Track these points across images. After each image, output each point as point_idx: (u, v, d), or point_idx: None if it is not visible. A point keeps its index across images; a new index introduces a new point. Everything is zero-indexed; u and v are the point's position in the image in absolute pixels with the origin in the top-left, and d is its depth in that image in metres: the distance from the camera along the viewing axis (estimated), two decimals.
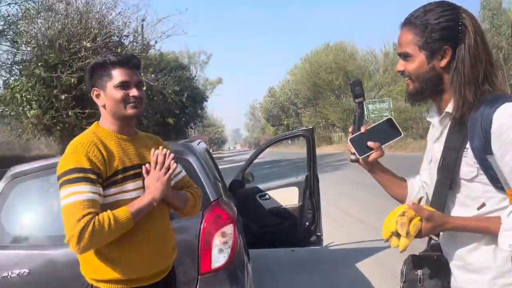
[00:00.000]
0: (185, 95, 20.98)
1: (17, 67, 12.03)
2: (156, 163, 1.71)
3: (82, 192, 1.52)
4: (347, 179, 13.07)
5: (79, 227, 1.47)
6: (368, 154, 1.43)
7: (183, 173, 1.95)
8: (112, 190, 1.63)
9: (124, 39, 13.87)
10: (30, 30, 11.90)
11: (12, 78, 11.91)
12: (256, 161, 4.72)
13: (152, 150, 1.74)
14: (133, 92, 1.71)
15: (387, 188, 1.53)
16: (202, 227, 2.43)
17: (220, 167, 4.91)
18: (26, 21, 11.96)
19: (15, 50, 12.03)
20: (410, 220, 1.23)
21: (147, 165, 1.72)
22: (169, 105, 19.30)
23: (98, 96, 1.75)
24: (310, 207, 4.45)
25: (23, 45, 11.96)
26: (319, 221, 4.49)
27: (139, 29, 14.41)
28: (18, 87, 10.90)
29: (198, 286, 2.38)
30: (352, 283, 4.37)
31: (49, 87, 10.99)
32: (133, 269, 1.66)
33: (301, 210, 4.44)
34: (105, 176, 1.62)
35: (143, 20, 14.38)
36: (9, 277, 2.24)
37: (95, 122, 1.79)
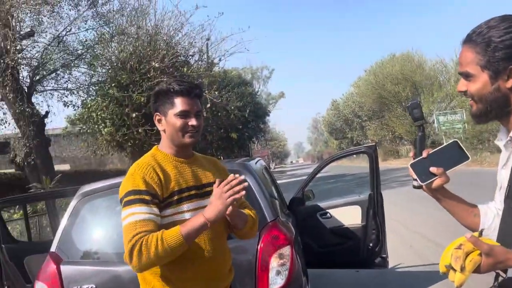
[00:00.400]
0: (248, 110, 21.32)
1: (93, 88, 12.97)
2: (226, 184, 1.66)
3: (137, 213, 1.59)
4: (416, 196, 12.36)
5: (129, 246, 1.54)
6: (431, 180, 1.33)
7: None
8: (168, 211, 1.68)
9: (190, 59, 14.46)
10: (105, 53, 12.82)
11: (89, 98, 12.84)
12: (319, 175, 4.63)
13: (231, 176, 1.70)
14: (192, 121, 1.76)
15: (457, 216, 1.41)
16: (259, 248, 2.41)
17: (282, 181, 4.90)
18: (102, 45, 12.90)
19: (92, 72, 13.00)
20: (467, 254, 1.12)
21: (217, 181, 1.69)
22: (232, 120, 19.71)
23: (159, 121, 1.82)
24: (374, 227, 4.27)
25: (98, 68, 12.90)
26: (384, 242, 4.29)
27: (204, 48, 14.95)
28: (94, 106, 11.73)
29: None
30: None
31: (121, 106, 11.71)
32: None
33: (365, 230, 4.27)
34: (161, 197, 1.67)
35: (207, 39, 14.90)
36: None
37: (155, 146, 1.87)
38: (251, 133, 27.24)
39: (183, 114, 1.75)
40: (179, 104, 1.76)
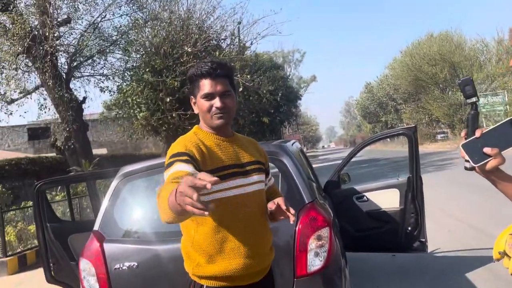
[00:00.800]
0: (280, 94, 21.17)
1: (128, 73, 13.20)
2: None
3: (176, 170, 1.53)
4: (454, 180, 12.07)
5: (157, 190, 1.49)
6: (485, 161, 1.25)
7: (273, 180, 1.98)
8: (212, 187, 1.66)
9: (221, 43, 14.44)
10: (139, 38, 12.99)
11: (124, 84, 13.09)
12: (353, 159, 4.55)
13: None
14: (216, 103, 1.74)
15: None
16: (297, 229, 2.39)
17: (314, 166, 4.83)
18: (135, 30, 13.07)
19: (127, 58, 13.21)
20: None
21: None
22: (264, 104, 19.65)
23: (194, 104, 1.83)
24: (413, 211, 4.16)
25: (133, 53, 13.09)
26: (423, 226, 4.19)
27: (236, 31, 14.88)
28: (129, 91, 11.95)
29: None
30: None
31: (156, 91, 11.88)
32: (232, 267, 1.69)
33: (403, 214, 4.17)
34: (200, 166, 1.64)
35: (239, 23, 14.81)
36: (120, 268, 2.43)
37: (196, 125, 1.87)
38: (282, 118, 27.08)
39: (207, 96, 1.75)
40: (203, 86, 1.75)
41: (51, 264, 3.45)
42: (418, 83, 39.37)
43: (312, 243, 2.38)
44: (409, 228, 4.20)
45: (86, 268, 2.50)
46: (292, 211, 1.69)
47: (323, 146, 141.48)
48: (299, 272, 2.35)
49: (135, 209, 2.79)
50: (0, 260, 7.34)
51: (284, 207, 1.70)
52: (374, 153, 35.83)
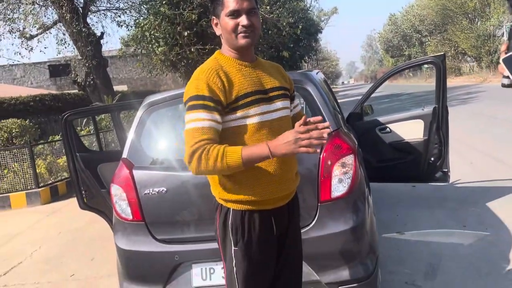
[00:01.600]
0: (300, 27, 20.40)
1: (144, 6, 12.87)
2: (306, 129, 1.53)
3: (200, 119, 1.59)
4: (479, 114, 11.83)
5: (191, 150, 1.56)
6: None
7: (299, 107, 1.95)
8: (234, 115, 1.67)
9: None
10: None
11: (141, 18, 12.82)
12: (373, 95, 4.47)
13: (315, 118, 1.59)
14: (243, 21, 1.67)
15: None
16: (321, 156, 2.41)
17: None
18: None
19: None
20: None
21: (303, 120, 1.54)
22: (284, 38, 19.02)
23: (216, 25, 1.76)
24: (437, 142, 4.13)
25: None
26: (446, 157, 4.17)
27: None
28: (147, 25, 11.72)
29: (318, 213, 2.41)
30: (480, 222, 4.06)
31: (173, 25, 11.62)
32: (259, 191, 1.72)
33: (427, 145, 4.14)
34: (225, 102, 1.65)
35: None
36: (150, 194, 2.53)
37: (218, 50, 1.82)
38: (302, 52, 26.33)
39: (232, 14, 1.66)
40: (228, 3, 1.67)
41: (83, 192, 3.61)
42: (445, 13, 37.26)
43: (336, 170, 2.40)
44: (432, 159, 4.19)
45: (117, 193, 2.61)
46: (315, 119, 1.58)
47: (342, 82, 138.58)
48: (323, 197, 2.40)
49: (161, 137, 2.83)
50: (33, 191, 7.74)
51: (303, 121, 1.56)
52: (396, 88, 35.04)
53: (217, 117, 1.62)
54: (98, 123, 10.75)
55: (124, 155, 2.71)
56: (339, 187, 2.41)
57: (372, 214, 2.58)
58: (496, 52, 32.05)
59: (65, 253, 4.82)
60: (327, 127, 1.53)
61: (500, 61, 1.26)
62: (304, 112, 2.53)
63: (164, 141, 2.85)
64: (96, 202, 3.63)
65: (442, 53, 4.07)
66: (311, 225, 2.41)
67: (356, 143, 2.81)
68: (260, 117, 1.70)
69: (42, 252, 4.98)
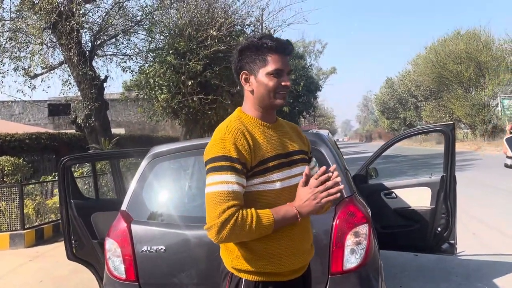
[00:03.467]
0: (302, 84, 20.90)
1: (151, 54, 13.12)
2: (320, 182, 1.53)
3: (229, 182, 1.49)
4: (477, 182, 11.78)
5: (222, 218, 1.44)
6: None
7: (317, 168, 1.84)
8: (256, 180, 1.57)
9: (246, 28, 14.24)
10: (163, 20, 12.87)
11: (147, 65, 13.03)
12: (367, 155, 4.43)
13: (323, 168, 1.56)
14: (285, 81, 1.62)
15: None
16: (334, 224, 2.27)
17: None
18: (161, 11, 12.95)
19: (150, 39, 13.13)
20: None
21: (307, 172, 1.56)
22: None
23: (247, 80, 1.66)
24: (444, 211, 4.01)
25: (157, 35, 12.99)
26: (454, 228, 4.03)
27: (261, 18, 14.65)
28: (152, 72, 11.87)
29: (328, 286, 2.23)
30: None
31: (178, 73, 11.77)
32: (275, 262, 1.59)
33: (434, 214, 4.02)
34: (249, 166, 1.55)
35: (263, 9, 14.58)
36: (147, 252, 2.35)
37: (239, 108, 1.73)
38: (301, 108, 26.82)
39: (277, 73, 1.60)
40: (273, 61, 1.60)
41: (73, 241, 3.40)
42: (441, 80, 38.45)
43: (349, 240, 2.25)
44: (439, 229, 4.05)
45: (112, 248, 2.42)
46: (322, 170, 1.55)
47: (337, 140, 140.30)
48: (334, 268, 2.23)
49: (164, 191, 2.69)
50: (18, 232, 7.41)
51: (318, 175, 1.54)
52: (391, 150, 35.28)
53: (244, 181, 1.54)
54: (82, 167, 10.58)
55: (123, 207, 2.56)
56: (351, 258, 2.25)
57: None
58: (491, 121, 32.70)
59: None
60: (337, 177, 1.53)
61: (504, 141, 1.16)
62: None
63: (167, 195, 2.71)
64: (86, 253, 3.41)
65: (451, 122, 4.05)
66: None
67: (370, 211, 2.67)
68: (281, 183, 1.60)
69: None
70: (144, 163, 2.63)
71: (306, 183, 1.54)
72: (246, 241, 1.56)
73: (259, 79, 1.62)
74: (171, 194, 2.69)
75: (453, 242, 4.06)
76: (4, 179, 8.45)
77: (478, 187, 10.83)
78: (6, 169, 8.45)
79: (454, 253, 4.08)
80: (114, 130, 19.15)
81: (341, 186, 1.52)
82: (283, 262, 1.59)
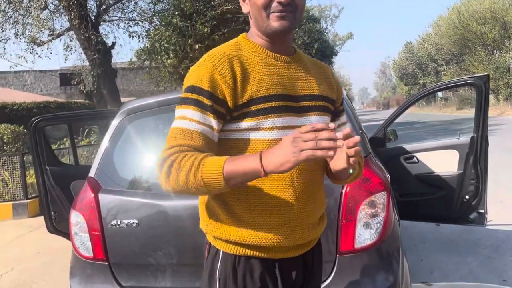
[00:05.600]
0: (315, 47, 20.06)
1: (157, 17, 12.57)
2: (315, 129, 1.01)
3: (187, 118, 1.13)
4: (502, 147, 11.15)
5: (162, 157, 1.11)
6: None
7: (349, 124, 1.40)
8: (244, 124, 1.16)
9: None
10: None
11: (152, 28, 12.52)
12: (381, 122, 3.94)
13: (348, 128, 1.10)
14: None
15: None
16: (344, 192, 1.82)
17: None
18: None
19: (156, 1, 12.54)
20: None
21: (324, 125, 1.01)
22: None
23: (244, 0, 1.27)
24: (474, 177, 3.53)
25: None
26: (484, 195, 3.56)
27: None
28: (157, 36, 11.35)
29: (335, 268, 1.81)
30: None
31: (185, 37, 11.23)
32: (263, 232, 1.18)
33: (461, 180, 3.54)
34: (233, 103, 1.15)
35: None
36: (118, 226, 1.95)
37: (243, 34, 1.30)
38: None
39: None
40: None
41: (52, 213, 3.04)
42: (463, 43, 36.79)
43: (363, 211, 1.81)
44: (467, 197, 3.58)
45: (78, 222, 2.04)
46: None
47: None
48: (343, 246, 1.80)
49: (140, 154, 2.26)
50: (21, 202, 7.23)
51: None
52: (409, 116, 34.38)
53: (212, 121, 1.13)
54: (89, 135, 10.30)
55: (91, 173, 2.15)
56: (365, 234, 1.81)
57: (407, 273, 1.96)
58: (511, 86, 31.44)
59: (36, 278, 4.24)
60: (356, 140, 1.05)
61: None
62: None
63: (144, 159, 2.27)
64: (67, 226, 3.05)
65: (486, 73, 3.49)
66: (325, 284, 1.80)
67: (388, 176, 2.21)
68: (279, 132, 1.16)
69: (12, 276, 4.39)
70: (115, 122, 2.21)
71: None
72: (230, 202, 1.18)
73: None
74: (146, 158, 2.25)
75: (482, 211, 3.60)
76: (4, 148, 8.21)
77: (503, 153, 10.23)
78: (5, 137, 8.20)
79: (483, 223, 3.62)
80: (125, 99, 18.85)
81: (340, 146, 1.02)
82: (274, 232, 1.18)
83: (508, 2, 33.17)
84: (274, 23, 1.17)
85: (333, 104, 1.32)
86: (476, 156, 3.49)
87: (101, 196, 2.02)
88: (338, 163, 1.15)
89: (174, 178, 1.07)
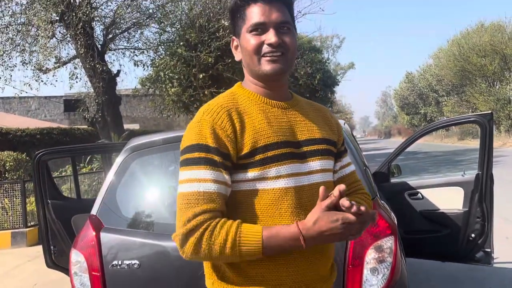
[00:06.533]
0: (317, 77, 20.27)
1: (162, 47, 12.78)
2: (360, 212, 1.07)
3: (201, 179, 1.08)
4: (506, 180, 11.07)
5: (186, 229, 1.05)
6: None
7: (353, 166, 1.35)
8: (249, 174, 1.13)
9: None
10: (175, 11, 12.50)
11: (157, 57, 12.70)
12: (386, 151, 3.91)
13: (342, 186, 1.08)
14: (269, 38, 1.16)
15: None
16: None
17: None
18: (172, 3, 12.58)
19: (161, 31, 12.78)
20: None
21: (336, 193, 1.06)
22: (300, 87, 18.85)
23: (236, 48, 1.27)
24: (479, 215, 3.48)
25: (168, 26, 12.63)
26: (490, 234, 3.51)
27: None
28: (162, 65, 11.52)
29: None
30: None
31: (189, 66, 11.39)
32: None
33: (467, 218, 3.50)
34: (235, 156, 1.12)
35: None
36: (119, 267, 1.91)
37: (238, 83, 1.29)
38: (318, 103, 26.19)
39: (256, 29, 1.17)
40: (251, 14, 1.18)
41: (52, 247, 3.00)
42: (464, 74, 37.22)
43: (370, 256, 1.77)
44: (473, 235, 3.53)
45: (78, 261, 2.00)
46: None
47: (355, 136, 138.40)
48: None
49: (143, 193, 2.24)
50: (20, 230, 7.15)
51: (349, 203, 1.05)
52: (410, 146, 34.38)
53: (226, 177, 1.11)
54: (92, 163, 10.28)
55: (94, 211, 2.12)
56: (372, 279, 1.77)
57: None
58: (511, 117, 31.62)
59: None
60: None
61: None
62: None
63: (145, 198, 2.25)
64: (67, 261, 2.99)
65: (490, 111, 3.50)
66: None
67: (394, 217, 2.18)
68: (284, 181, 1.14)
69: None
70: (119, 159, 2.19)
71: (328, 207, 1.05)
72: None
73: (241, 42, 1.21)
74: (150, 197, 2.23)
75: (489, 250, 3.55)
76: (6, 175, 8.19)
77: (507, 185, 10.14)
78: (7, 164, 8.19)
79: (490, 262, 3.55)
80: (129, 126, 18.93)
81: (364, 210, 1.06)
82: None
83: (507, 35, 33.75)
84: (266, 67, 1.17)
85: (335, 146, 1.31)
86: (481, 194, 3.46)
87: (103, 235, 1.98)
88: None
89: (205, 252, 1.04)
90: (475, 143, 32.31)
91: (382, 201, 2.28)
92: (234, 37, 1.26)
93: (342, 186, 1.05)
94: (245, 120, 1.15)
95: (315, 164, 1.20)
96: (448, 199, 3.65)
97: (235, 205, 1.12)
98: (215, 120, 1.12)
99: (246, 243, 1.03)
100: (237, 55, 1.27)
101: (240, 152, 1.12)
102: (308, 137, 1.22)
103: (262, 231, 1.05)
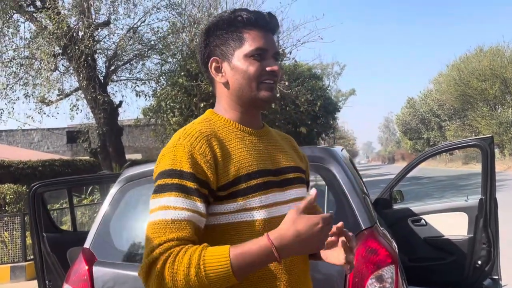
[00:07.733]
0: (318, 104, 20.43)
1: (163, 77, 12.95)
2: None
3: (171, 207, 1.01)
4: (509, 204, 10.91)
5: (149, 260, 0.98)
6: None
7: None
8: (230, 206, 1.08)
9: None
10: (176, 42, 12.74)
11: (159, 88, 12.86)
12: (390, 176, 3.88)
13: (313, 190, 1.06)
14: (271, 65, 1.15)
15: None
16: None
17: None
18: (173, 34, 12.83)
19: (163, 62, 12.98)
20: None
21: (311, 198, 1.03)
22: (301, 114, 18.96)
23: (218, 69, 1.19)
24: (485, 241, 3.41)
25: (169, 57, 12.84)
26: (497, 260, 3.42)
27: (275, 37, 14.40)
28: (163, 95, 11.66)
29: None
30: None
31: (190, 96, 11.53)
32: None
33: (472, 244, 3.42)
34: (216, 185, 1.07)
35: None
36: None
37: (209, 109, 1.25)
38: (320, 129, 26.23)
39: (259, 54, 1.15)
40: (252, 39, 1.15)
41: (47, 282, 2.93)
42: (465, 99, 37.44)
43: (370, 286, 1.70)
44: (479, 262, 3.44)
45: None
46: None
47: (358, 162, 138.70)
48: None
49: (137, 225, 2.19)
50: (19, 264, 7.05)
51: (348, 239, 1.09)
52: (414, 171, 34.21)
53: (199, 205, 1.03)
54: (93, 194, 10.23)
55: (87, 243, 2.07)
56: None
57: None
58: None
59: None
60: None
61: None
62: (326, 201, 1.89)
63: (139, 230, 2.20)
64: None
65: (490, 135, 3.48)
66: None
67: (396, 246, 2.12)
68: (266, 212, 1.09)
69: None
70: (113, 190, 2.16)
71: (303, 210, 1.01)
72: None
73: (235, 65, 1.16)
74: (144, 229, 2.19)
75: (496, 277, 3.45)
76: (6, 208, 8.15)
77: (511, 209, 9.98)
78: (8, 197, 8.17)
79: None
80: (131, 156, 18.96)
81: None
82: None
83: (507, 59, 34.13)
84: (265, 92, 1.15)
85: (305, 174, 1.29)
86: (486, 219, 3.40)
87: (95, 269, 1.93)
88: (332, 257, 1.16)
89: (169, 285, 0.95)
90: (479, 167, 32.11)
91: (383, 229, 2.22)
92: (215, 57, 1.18)
93: (314, 190, 1.04)
94: (225, 147, 1.11)
95: (293, 192, 1.18)
96: (452, 225, 3.59)
97: (214, 240, 1.05)
98: (193, 145, 1.07)
99: (211, 267, 0.94)
100: (220, 78, 1.18)
101: (222, 181, 1.07)
102: (285, 165, 1.19)
103: (229, 251, 0.96)
